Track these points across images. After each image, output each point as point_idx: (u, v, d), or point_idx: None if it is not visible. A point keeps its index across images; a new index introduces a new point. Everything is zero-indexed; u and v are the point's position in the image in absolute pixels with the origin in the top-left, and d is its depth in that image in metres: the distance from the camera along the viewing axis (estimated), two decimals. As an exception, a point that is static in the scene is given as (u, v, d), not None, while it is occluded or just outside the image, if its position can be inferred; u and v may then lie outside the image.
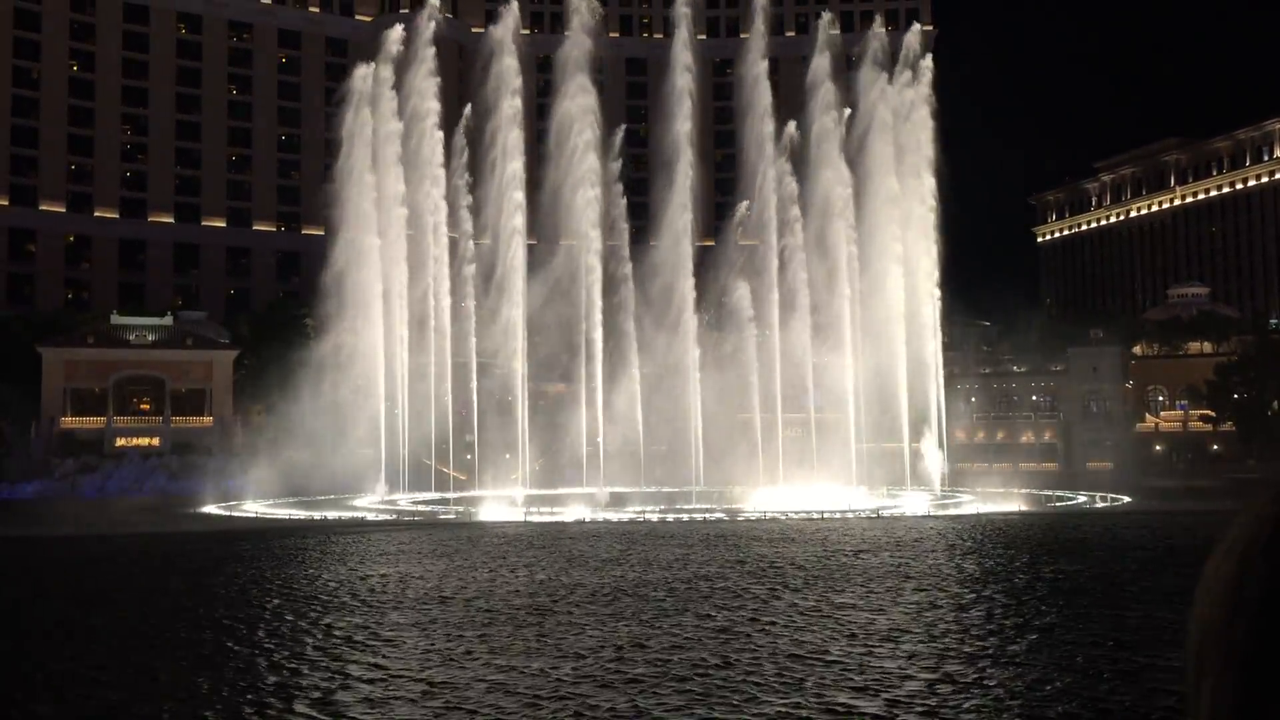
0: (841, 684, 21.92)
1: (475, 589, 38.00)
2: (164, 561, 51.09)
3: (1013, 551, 50.05)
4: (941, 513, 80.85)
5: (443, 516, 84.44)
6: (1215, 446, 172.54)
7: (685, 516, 78.54)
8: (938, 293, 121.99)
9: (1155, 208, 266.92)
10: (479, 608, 33.25)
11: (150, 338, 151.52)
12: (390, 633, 28.99)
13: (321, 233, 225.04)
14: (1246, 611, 1.34)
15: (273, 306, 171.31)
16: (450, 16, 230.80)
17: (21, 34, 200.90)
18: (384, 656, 25.66)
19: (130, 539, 64.77)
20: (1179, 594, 33.77)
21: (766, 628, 28.89)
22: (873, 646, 26.10)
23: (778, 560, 46.43)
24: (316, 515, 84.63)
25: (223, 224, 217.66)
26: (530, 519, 78.04)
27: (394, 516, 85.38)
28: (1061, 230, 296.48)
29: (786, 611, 31.80)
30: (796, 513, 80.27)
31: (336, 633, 29.18)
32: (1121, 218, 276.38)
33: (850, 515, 79.27)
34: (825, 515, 78.30)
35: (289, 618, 32.28)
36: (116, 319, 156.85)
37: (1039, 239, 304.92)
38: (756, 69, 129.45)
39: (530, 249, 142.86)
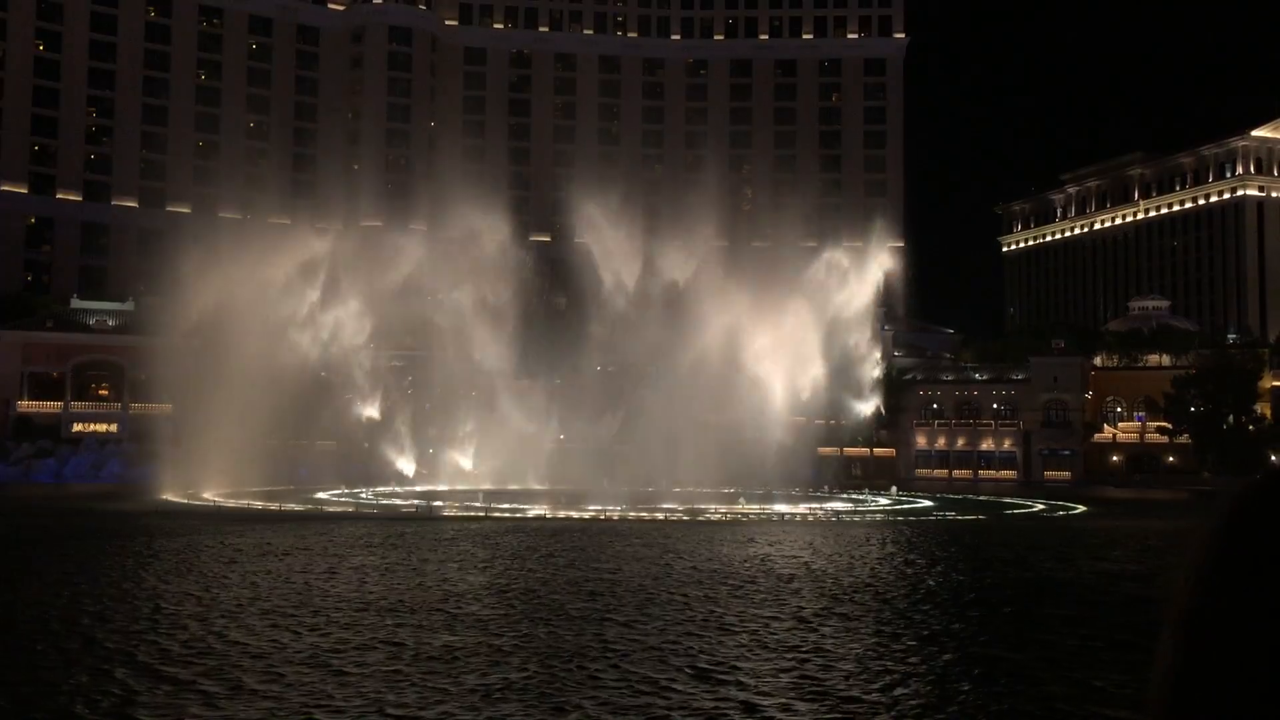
0: (700, 688, 22.27)
1: (385, 587, 37.92)
2: (66, 549, 50.46)
3: (934, 558, 50.50)
4: (893, 519, 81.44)
5: (404, 510, 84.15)
6: (1171, 458, 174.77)
7: (646, 515, 78.68)
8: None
9: (1119, 220, 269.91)
10: (379, 608, 33.21)
11: (111, 323, 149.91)
12: (254, 631, 28.92)
13: (288, 222, 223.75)
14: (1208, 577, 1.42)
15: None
16: (424, 9, 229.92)
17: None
18: (237, 654, 25.67)
19: (60, 525, 64.13)
20: (1079, 620, 34.00)
21: (660, 630, 29.17)
22: (749, 649, 26.48)
23: (706, 563, 46.66)
24: (273, 506, 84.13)
25: (188, 210, 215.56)
26: (492, 515, 77.86)
27: (352, 509, 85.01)
28: (1026, 240, 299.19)
29: (684, 614, 32.10)
30: (757, 515, 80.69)
31: (213, 629, 28.99)
32: (1086, 229, 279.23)
33: (809, 518, 79.81)
34: (784, 517, 78.77)
35: (168, 610, 32.10)
36: (77, 303, 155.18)
37: (1004, 248, 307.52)
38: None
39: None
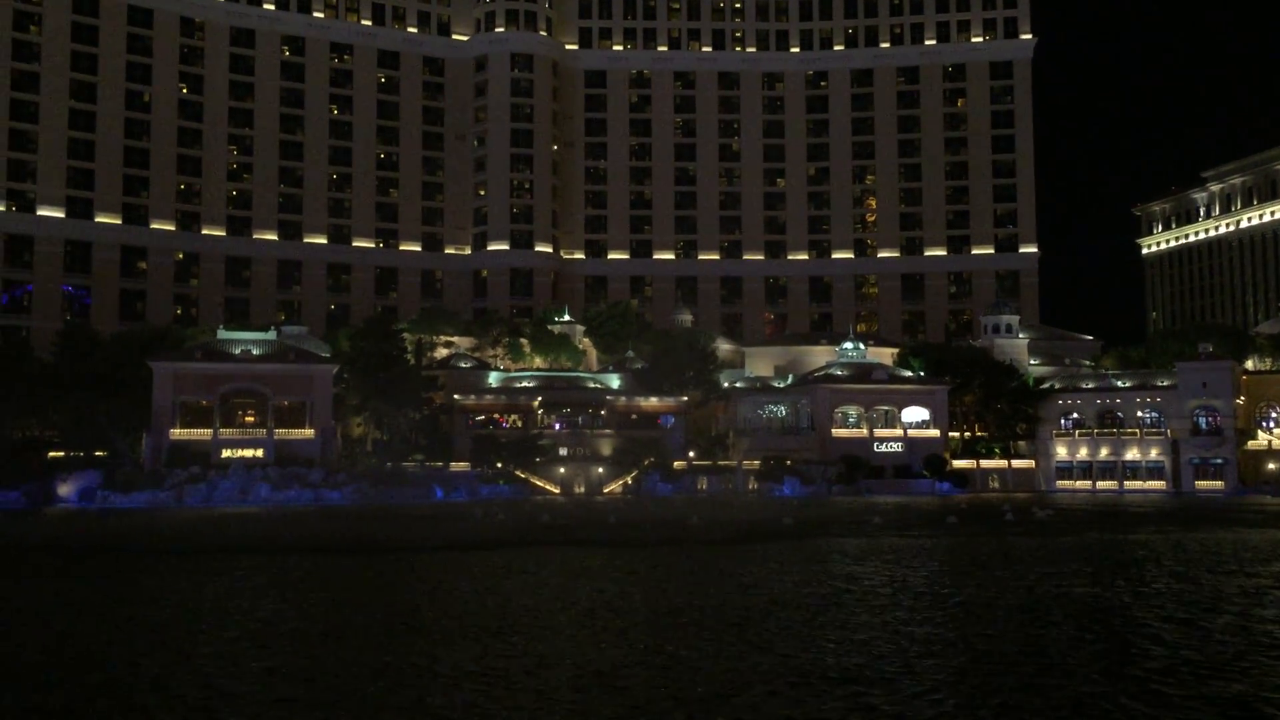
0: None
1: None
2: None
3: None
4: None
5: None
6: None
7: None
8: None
9: (1267, 217, 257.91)
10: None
11: (255, 352, 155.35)
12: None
13: (418, 249, 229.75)
14: None
15: (370, 321, 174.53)
16: (545, 35, 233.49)
17: (134, 59, 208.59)
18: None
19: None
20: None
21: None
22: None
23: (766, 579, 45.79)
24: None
25: (324, 240, 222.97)
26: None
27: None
28: (1168, 241, 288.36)
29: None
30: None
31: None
32: (1231, 228, 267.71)
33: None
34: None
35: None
36: (223, 334, 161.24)
37: (1144, 250, 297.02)
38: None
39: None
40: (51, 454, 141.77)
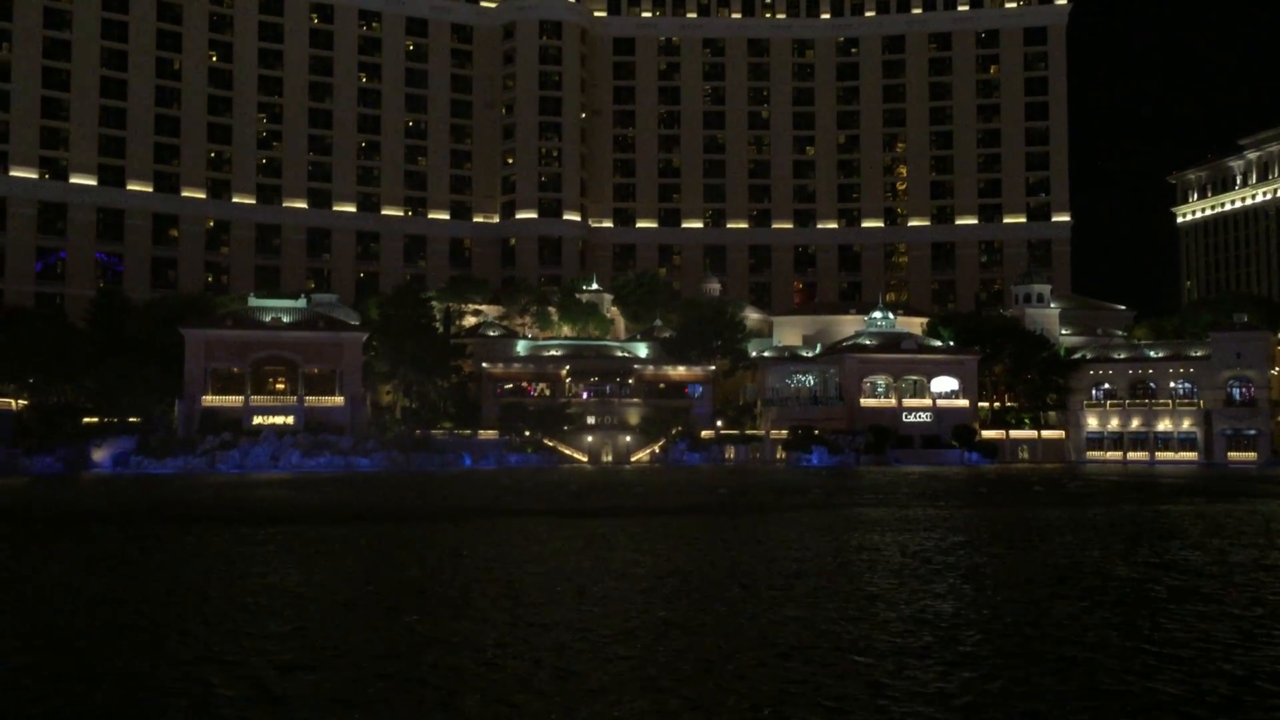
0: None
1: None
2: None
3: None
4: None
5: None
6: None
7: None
8: None
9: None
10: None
11: (285, 320, 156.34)
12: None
13: (447, 217, 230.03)
14: None
15: (399, 289, 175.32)
16: (573, 2, 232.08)
17: (163, 26, 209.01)
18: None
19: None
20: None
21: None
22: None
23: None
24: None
25: (353, 209, 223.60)
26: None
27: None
28: (1204, 210, 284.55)
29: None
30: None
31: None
32: (1268, 196, 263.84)
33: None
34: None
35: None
36: (254, 301, 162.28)
37: (1179, 219, 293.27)
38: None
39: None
40: (86, 420, 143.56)
